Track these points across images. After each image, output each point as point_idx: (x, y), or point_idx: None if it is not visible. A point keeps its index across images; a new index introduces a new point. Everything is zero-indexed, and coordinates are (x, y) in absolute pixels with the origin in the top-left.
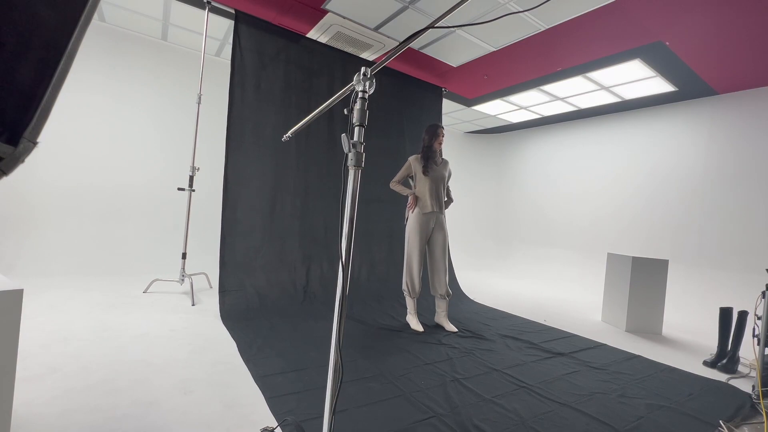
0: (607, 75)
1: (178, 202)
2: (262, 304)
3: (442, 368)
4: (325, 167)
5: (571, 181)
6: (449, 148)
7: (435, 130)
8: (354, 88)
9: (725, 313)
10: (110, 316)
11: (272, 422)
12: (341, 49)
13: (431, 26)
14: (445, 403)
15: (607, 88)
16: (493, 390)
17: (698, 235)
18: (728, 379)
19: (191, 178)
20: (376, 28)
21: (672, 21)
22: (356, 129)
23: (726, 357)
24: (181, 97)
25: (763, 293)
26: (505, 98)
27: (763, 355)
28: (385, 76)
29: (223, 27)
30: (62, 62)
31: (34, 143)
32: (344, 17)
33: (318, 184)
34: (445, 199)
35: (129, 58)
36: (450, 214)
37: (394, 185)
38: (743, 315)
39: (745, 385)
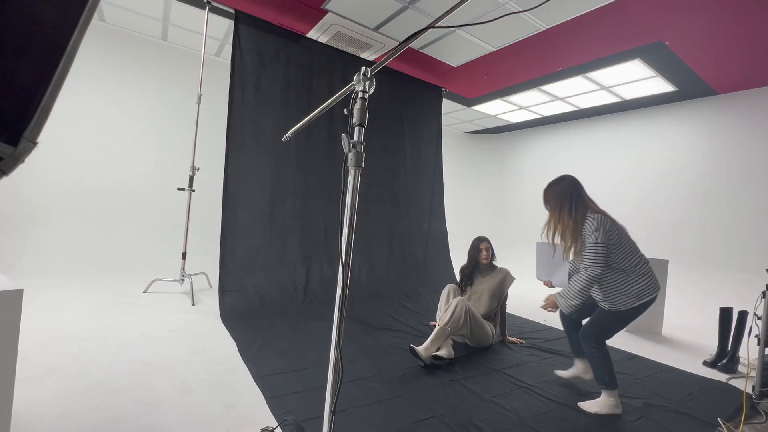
0: (607, 75)
1: (178, 202)
2: (262, 304)
3: (442, 368)
4: (325, 167)
5: None
6: (449, 148)
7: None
8: (354, 88)
9: (725, 313)
10: (110, 316)
11: (272, 422)
12: (341, 49)
13: (431, 26)
14: (445, 403)
15: (607, 88)
16: (493, 390)
17: (698, 235)
18: (728, 379)
19: (191, 178)
20: (376, 28)
21: (672, 21)
22: (356, 129)
23: (726, 357)
24: (181, 97)
25: (763, 293)
26: (505, 98)
27: (763, 355)
28: (385, 76)
29: (223, 27)
30: (62, 62)
31: (34, 143)
32: (344, 17)
33: (318, 184)
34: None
35: (129, 58)
36: (450, 214)
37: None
38: (743, 315)
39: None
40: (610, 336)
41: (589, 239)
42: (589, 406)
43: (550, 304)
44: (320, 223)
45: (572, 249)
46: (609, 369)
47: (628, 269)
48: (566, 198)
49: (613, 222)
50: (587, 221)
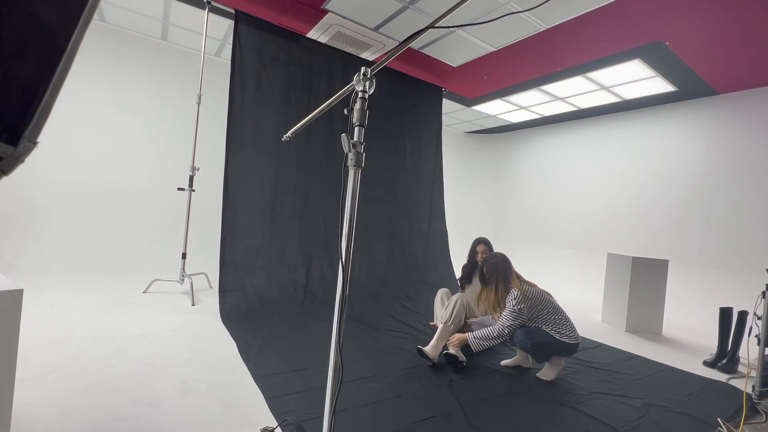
0: (607, 75)
1: (178, 202)
2: (262, 304)
3: (441, 368)
4: (325, 167)
5: (571, 181)
6: (449, 148)
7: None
8: (354, 88)
9: (725, 313)
10: (110, 316)
11: (272, 422)
12: (341, 49)
13: (431, 26)
14: (445, 403)
15: (607, 88)
16: (493, 390)
17: (698, 235)
18: (728, 379)
19: (191, 178)
20: (376, 28)
21: (672, 21)
22: (356, 129)
23: (726, 357)
24: (181, 97)
25: (763, 293)
26: (505, 98)
27: (763, 355)
28: (385, 76)
29: (223, 27)
30: (62, 62)
31: (34, 143)
32: (344, 17)
33: (318, 184)
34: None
35: (129, 58)
36: (450, 214)
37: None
38: (743, 315)
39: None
40: (540, 341)
41: (509, 305)
42: (545, 375)
43: (459, 340)
44: (320, 223)
45: (496, 310)
46: (542, 352)
47: (552, 321)
48: (500, 274)
49: (532, 293)
50: (511, 292)
